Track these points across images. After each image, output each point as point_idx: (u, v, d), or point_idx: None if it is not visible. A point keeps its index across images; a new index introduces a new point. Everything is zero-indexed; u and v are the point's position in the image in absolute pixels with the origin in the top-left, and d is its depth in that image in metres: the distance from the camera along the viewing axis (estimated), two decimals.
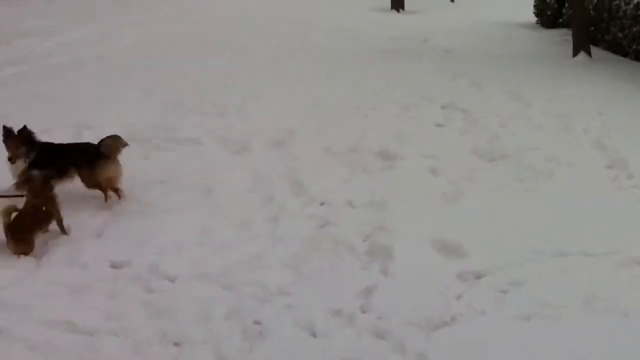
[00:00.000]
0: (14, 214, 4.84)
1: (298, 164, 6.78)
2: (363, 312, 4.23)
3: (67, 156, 5.82)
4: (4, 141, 5.65)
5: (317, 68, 11.55)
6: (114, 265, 4.78)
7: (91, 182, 5.79)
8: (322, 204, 5.87)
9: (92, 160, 5.75)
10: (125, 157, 6.73)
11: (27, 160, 5.59)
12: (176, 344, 3.94)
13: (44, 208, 5.03)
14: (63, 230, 5.16)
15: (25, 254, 4.83)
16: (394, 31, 15.95)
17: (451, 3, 24.63)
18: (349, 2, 21.44)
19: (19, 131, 5.65)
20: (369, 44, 14.26)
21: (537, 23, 17.56)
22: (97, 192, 5.83)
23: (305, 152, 7.14)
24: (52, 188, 5.16)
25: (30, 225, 4.88)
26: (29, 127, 5.83)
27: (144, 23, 16.33)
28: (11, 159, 5.56)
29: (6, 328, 3.98)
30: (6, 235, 4.78)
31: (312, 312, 4.21)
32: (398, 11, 21.04)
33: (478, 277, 4.57)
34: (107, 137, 5.97)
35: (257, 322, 4.13)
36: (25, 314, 4.13)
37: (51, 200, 5.11)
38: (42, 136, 7.33)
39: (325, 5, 20.73)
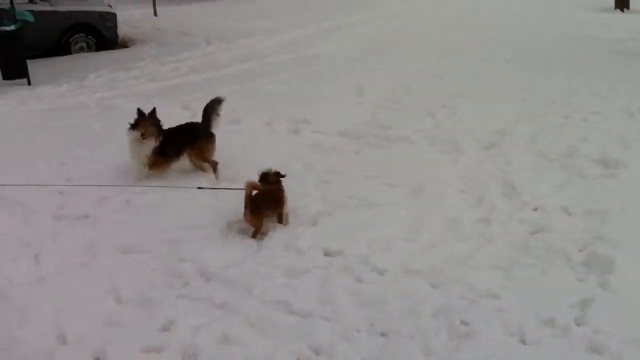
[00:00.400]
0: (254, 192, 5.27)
1: (510, 167, 6.62)
2: (578, 324, 4.03)
3: (182, 137, 6.54)
4: (138, 120, 6.26)
5: (532, 69, 11.16)
6: (327, 254, 5.00)
7: (201, 158, 6.58)
8: (535, 209, 5.67)
9: (199, 138, 6.56)
10: (336, 152, 7.09)
11: (158, 139, 6.29)
12: (383, 335, 4.04)
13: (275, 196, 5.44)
14: (282, 221, 5.50)
15: (257, 227, 5.27)
16: (618, 32, 14.90)
17: None
18: (569, 2, 20.35)
19: (149, 113, 6.29)
20: (591, 45, 13.49)
21: None
22: None
23: (517, 154, 6.94)
24: (280, 182, 5.54)
25: (264, 205, 5.30)
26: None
27: (359, 23, 16.80)
28: (143, 135, 6.18)
29: (229, 302, 4.34)
30: (245, 206, 5.21)
31: (523, 318, 4.10)
32: (622, 10, 19.57)
33: None
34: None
35: (464, 322, 4.11)
36: (247, 291, 4.47)
37: (281, 192, 5.50)
38: (264, 128, 7.99)
39: (542, 5, 19.88)
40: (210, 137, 6.67)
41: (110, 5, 15.17)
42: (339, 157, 7.07)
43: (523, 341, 3.95)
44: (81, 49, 14.12)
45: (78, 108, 9.23)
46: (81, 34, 14.10)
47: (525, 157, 6.88)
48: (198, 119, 8.41)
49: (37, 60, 12.44)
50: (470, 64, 11.68)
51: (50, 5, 13.94)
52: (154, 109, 6.35)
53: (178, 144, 6.51)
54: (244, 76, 11.12)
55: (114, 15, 14.61)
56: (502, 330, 4.03)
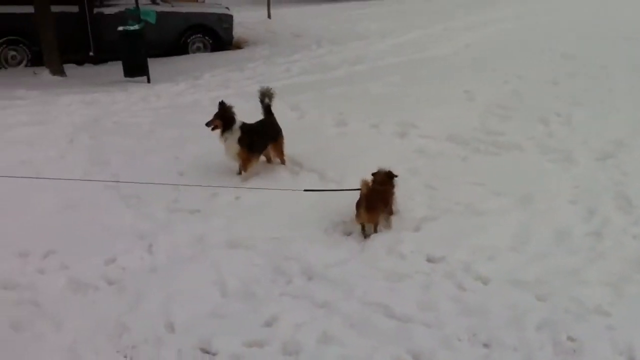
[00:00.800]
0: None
1: (626, 179, 6.32)
2: None
3: (264, 133, 6.81)
4: (220, 114, 6.51)
5: None
6: (430, 259, 4.97)
7: (282, 153, 6.92)
8: None
9: (280, 134, 6.90)
10: (443, 157, 7.03)
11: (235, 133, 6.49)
12: (485, 345, 3.98)
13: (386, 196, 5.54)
14: (388, 225, 5.53)
15: (371, 222, 5.36)
16: None
17: None
18: None
19: (220, 108, 6.53)
20: None
21: None
22: None
23: (635, 166, 6.61)
24: (392, 182, 5.63)
25: (377, 202, 5.37)
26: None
27: (471, 27, 16.52)
28: (213, 129, 6.49)
29: (330, 302, 4.40)
30: (360, 205, 5.31)
31: (633, 336, 3.93)
32: None
33: None
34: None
35: (571, 339, 3.97)
36: (348, 292, 4.52)
37: (391, 193, 5.59)
38: (371, 131, 8.04)
39: None
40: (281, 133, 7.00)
41: (227, 8, 15.71)
42: (446, 162, 7.00)
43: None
44: (198, 49, 14.73)
45: (193, 106, 9.64)
46: (199, 35, 14.69)
47: None
48: (306, 119, 8.65)
49: (156, 59, 13.09)
50: (588, 71, 11.21)
51: (172, 7, 14.60)
52: (222, 102, 6.61)
53: (263, 140, 6.78)
54: (352, 78, 11.22)
55: (231, 17, 15.13)
56: (611, 348, 3.87)
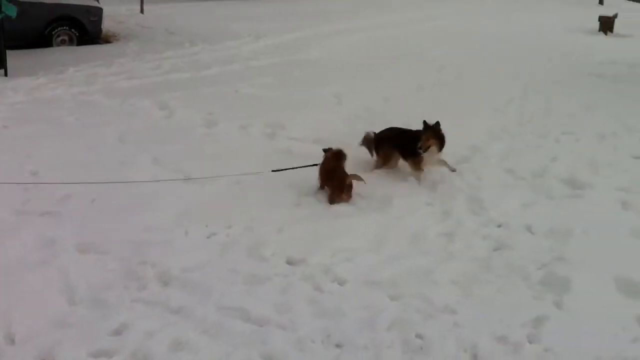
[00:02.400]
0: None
1: (479, 183, 6.67)
2: (530, 342, 4.08)
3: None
4: (435, 133, 6.62)
5: (512, 88, 11.24)
6: (290, 262, 5.01)
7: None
8: (499, 226, 5.72)
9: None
10: (310, 159, 7.09)
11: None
12: (338, 346, 4.05)
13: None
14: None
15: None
16: (599, 55, 15.07)
17: None
18: (553, 24, 20.57)
19: (433, 125, 6.64)
20: (572, 67, 13.63)
21: None
22: None
23: (488, 171, 6.99)
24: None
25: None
26: None
27: (347, 32, 16.85)
28: (421, 148, 6.56)
29: (185, 308, 4.31)
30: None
31: (477, 334, 4.13)
32: (606, 34, 19.80)
33: None
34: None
35: (419, 336, 4.13)
36: (204, 296, 4.44)
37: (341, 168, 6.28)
38: (240, 131, 8.00)
39: (528, 26, 20.05)
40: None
41: (97, 0, 15.10)
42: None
43: (475, 357, 3.97)
44: (63, 42, 14.03)
45: (54, 101, 9.18)
46: (64, 27, 14.01)
47: (495, 174, 6.93)
48: (175, 118, 8.48)
49: (16, 51, 12.36)
50: (451, 79, 11.76)
51: None
52: (438, 123, 6.64)
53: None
54: (224, 78, 11.14)
55: (100, 10, 14.56)
56: (456, 345, 4.05)
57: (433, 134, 6.59)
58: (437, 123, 6.62)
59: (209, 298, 4.42)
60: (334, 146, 6.51)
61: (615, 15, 20.58)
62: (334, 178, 6.18)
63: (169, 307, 4.30)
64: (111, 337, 4.00)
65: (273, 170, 6.22)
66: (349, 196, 6.11)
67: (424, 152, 6.57)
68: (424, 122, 6.67)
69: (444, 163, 6.83)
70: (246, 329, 4.13)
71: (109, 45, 14.39)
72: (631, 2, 28.59)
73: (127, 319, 4.14)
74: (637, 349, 3.98)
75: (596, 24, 20.38)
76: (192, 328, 4.09)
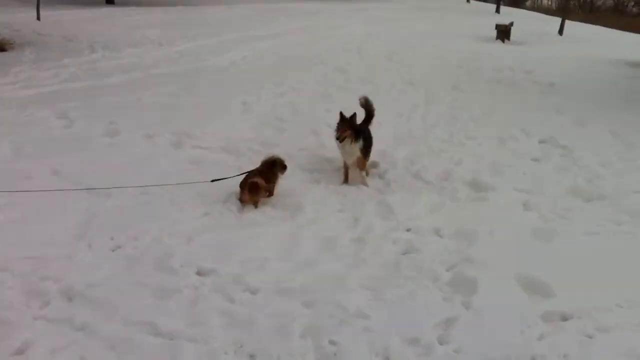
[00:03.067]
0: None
1: (388, 188, 6.77)
2: (441, 343, 4.15)
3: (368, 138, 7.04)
4: (339, 124, 6.76)
5: (415, 94, 11.53)
6: (200, 273, 4.90)
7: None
8: (408, 229, 5.81)
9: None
10: (218, 168, 7.00)
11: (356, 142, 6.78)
12: (251, 356, 3.99)
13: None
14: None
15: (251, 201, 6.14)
16: (497, 62, 15.71)
17: (559, 36, 23.91)
18: (453, 32, 21.29)
19: (350, 117, 6.77)
20: (472, 73, 14.13)
21: None
22: None
23: (396, 176, 7.11)
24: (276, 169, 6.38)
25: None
26: None
27: (251, 40, 16.78)
28: (338, 138, 6.72)
29: (91, 324, 4.14)
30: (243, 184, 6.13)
31: (389, 337, 4.16)
32: (503, 41, 20.68)
33: (564, 319, 4.39)
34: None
35: (332, 343, 4.12)
36: (111, 312, 4.28)
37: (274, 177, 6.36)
38: (145, 141, 7.78)
39: (430, 35, 20.65)
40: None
41: None
42: (220, 173, 6.96)
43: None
44: None
45: None
46: None
47: (403, 180, 7.05)
48: (75, 128, 8.16)
49: None
50: (358, 86, 11.92)
51: None
52: (354, 114, 6.81)
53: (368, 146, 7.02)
54: (127, 87, 10.83)
55: None
56: (368, 350, 4.07)
57: (349, 125, 6.74)
58: (354, 114, 6.78)
59: (115, 313, 4.25)
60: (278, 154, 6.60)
61: (511, 24, 21.54)
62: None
63: (74, 324, 4.11)
64: (14, 356, 3.81)
65: (213, 180, 6.21)
66: (252, 198, 6.12)
67: (341, 142, 6.71)
68: (340, 113, 6.83)
69: (361, 162, 6.95)
70: (156, 344, 4.00)
71: (3, 53, 13.70)
72: (526, 10, 29.99)
73: (30, 337, 3.95)
74: (543, 345, 4.11)
75: (493, 32, 21.25)
76: (99, 345, 3.93)
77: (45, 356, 3.80)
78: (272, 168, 6.32)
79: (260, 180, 6.11)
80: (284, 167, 6.37)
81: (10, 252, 4.94)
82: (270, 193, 6.36)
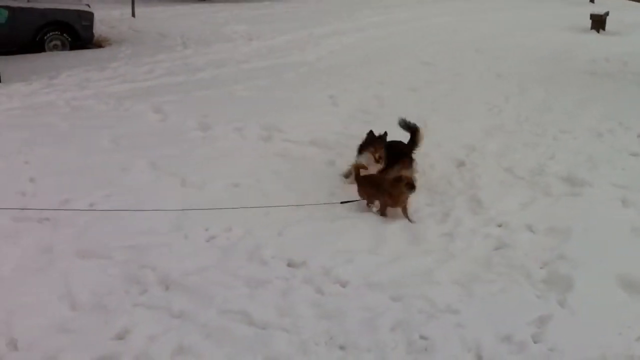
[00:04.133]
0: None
1: (478, 182, 6.66)
2: (535, 341, 4.06)
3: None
4: (369, 143, 6.49)
5: (507, 86, 11.26)
6: (291, 264, 4.98)
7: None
8: (499, 225, 5.70)
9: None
10: (307, 161, 7.08)
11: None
12: (341, 348, 4.02)
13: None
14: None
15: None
16: (592, 53, 15.10)
17: None
18: (545, 22, 20.60)
19: (380, 136, 6.52)
20: (565, 65, 13.66)
21: None
22: None
23: (486, 170, 6.99)
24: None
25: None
26: None
27: (338, 34, 16.80)
28: (377, 159, 6.39)
29: (187, 312, 4.27)
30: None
31: (481, 333, 4.11)
32: (598, 32, 19.85)
33: None
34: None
35: (423, 337, 4.10)
36: (206, 301, 4.40)
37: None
38: (235, 134, 7.96)
39: (519, 25, 20.07)
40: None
41: (88, 5, 15.02)
42: (309, 166, 7.06)
43: (480, 357, 3.95)
44: (55, 47, 13.94)
45: (48, 107, 9.10)
46: (56, 32, 13.93)
47: (494, 173, 6.93)
48: (169, 122, 8.44)
49: (9, 57, 12.31)
50: (445, 79, 11.77)
51: (28, 2, 13.75)
52: (385, 133, 6.55)
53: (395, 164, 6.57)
54: (218, 81, 11.08)
55: (92, 14, 14.46)
56: (460, 345, 4.03)
57: (380, 144, 6.49)
58: (385, 134, 6.57)
59: (210, 302, 4.38)
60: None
61: (607, 13, 20.65)
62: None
63: (171, 312, 4.26)
64: (113, 341, 3.97)
65: (342, 202, 6.01)
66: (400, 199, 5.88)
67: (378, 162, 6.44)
68: (370, 132, 6.60)
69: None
70: (249, 333, 4.10)
71: (101, 49, 14.29)
72: (622, 0, 28.67)
73: (129, 324, 4.11)
74: None
75: (588, 22, 20.44)
76: (195, 332, 4.06)
77: (144, 342, 3.95)
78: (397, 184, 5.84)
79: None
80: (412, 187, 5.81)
81: (111, 240, 5.18)
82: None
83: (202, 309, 4.30)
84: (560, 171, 6.86)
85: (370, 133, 6.56)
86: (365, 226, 5.67)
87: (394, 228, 5.64)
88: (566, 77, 12.25)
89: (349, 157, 7.30)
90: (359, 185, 6.12)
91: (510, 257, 5.10)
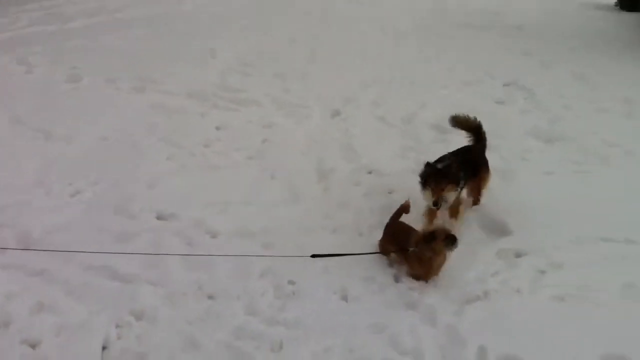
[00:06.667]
0: None
1: (353, 131, 6.77)
2: (396, 281, 4.23)
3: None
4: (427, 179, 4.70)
5: (384, 38, 11.39)
6: (160, 217, 4.91)
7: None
8: (370, 172, 5.85)
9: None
10: (182, 113, 6.94)
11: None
12: (210, 297, 4.04)
13: None
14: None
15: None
16: (465, 5, 15.48)
17: None
18: None
19: (445, 169, 4.72)
20: (440, 16, 13.94)
21: (616, 5, 16.65)
22: None
23: (361, 119, 7.11)
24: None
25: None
26: None
27: None
28: (436, 203, 4.64)
29: (48, 270, 4.15)
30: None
31: (346, 277, 4.24)
32: None
33: (518, 256, 4.49)
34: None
35: (291, 282, 4.20)
36: (69, 257, 4.26)
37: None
38: (107, 86, 7.65)
39: None
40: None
41: None
42: (184, 118, 6.92)
43: (345, 298, 4.09)
44: None
45: None
46: None
47: (367, 122, 7.05)
48: (35, 74, 7.98)
49: None
50: (325, 29, 11.75)
51: None
52: (452, 165, 4.75)
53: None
54: (90, 31, 10.56)
55: None
56: (325, 289, 4.14)
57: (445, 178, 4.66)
58: (452, 163, 4.78)
59: (73, 258, 4.25)
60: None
61: None
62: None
63: (30, 270, 4.12)
64: None
65: (313, 256, 4.23)
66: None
67: (438, 208, 4.70)
68: (427, 164, 4.74)
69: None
70: (114, 287, 4.04)
71: None
72: None
73: None
74: (497, 282, 4.20)
75: None
76: (56, 289, 3.96)
77: (1, 301, 3.81)
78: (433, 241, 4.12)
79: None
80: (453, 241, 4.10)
81: None
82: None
83: (64, 266, 4.19)
84: (429, 119, 7.08)
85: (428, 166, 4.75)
86: (240, 177, 5.65)
87: (268, 178, 5.66)
88: (441, 29, 12.48)
89: (224, 108, 7.24)
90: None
91: (379, 201, 5.25)
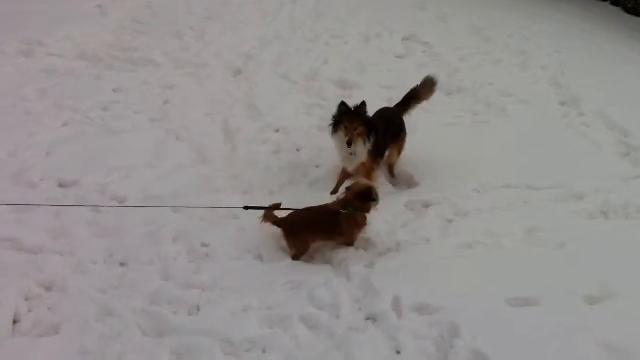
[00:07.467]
0: None
1: (255, 90, 6.71)
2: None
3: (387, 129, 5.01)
4: (341, 119, 4.68)
5: None
6: (62, 185, 4.73)
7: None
8: (277, 130, 5.83)
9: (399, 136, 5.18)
10: (74, 76, 6.64)
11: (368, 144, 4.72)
12: (122, 264, 3.96)
13: None
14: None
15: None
16: None
17: None
18: None
19: (356, 109, 4.69)
20: None
21: None
22: None
23: (263, 77, 7.05)
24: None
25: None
26: None
27: None
28: (349, 143, 4.64)
29: None
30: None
31: (260, 237, 4.24)
32: None
33: (426, 206, 4.65)
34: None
35: (205, 245, 4.16)
36: None
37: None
38: None
39: None
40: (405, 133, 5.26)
41: None
42: (77, 81, 6.62)
43: (260, 257, 4.10)
44: None
45: None
46: None
47: (270, 80, 7.00)
48: None
49: None
50: None
51: None
52: (364, 103, 4.70)
53: (386, 140, 4.99)
54: None
55: None
56: (240, 249, 4.14)
57: (364, 120, 4.71)
58: (363, 103, 4.73)
59: None
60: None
61: None
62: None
63: None
64: None
65: (245, 208, 4.22)
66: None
67: (349, 146, 4.66)
68: (342, 103, 4.76)
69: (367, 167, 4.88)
70: (20, 259, 3.88)
71: None
72: None
73: None
74: (407, 232, 4.34)
75: None
76: None
77: None
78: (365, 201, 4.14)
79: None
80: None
81: None
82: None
83: None
84: (332, 75, 7.12)
85: (342, 105, 4.76)
86: (142, 141, 5.49)
87: (172, 141, 5.54)
88: None
89: (119, 69, 6.98)
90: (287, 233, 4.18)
91: (287, 159, 5.27)
